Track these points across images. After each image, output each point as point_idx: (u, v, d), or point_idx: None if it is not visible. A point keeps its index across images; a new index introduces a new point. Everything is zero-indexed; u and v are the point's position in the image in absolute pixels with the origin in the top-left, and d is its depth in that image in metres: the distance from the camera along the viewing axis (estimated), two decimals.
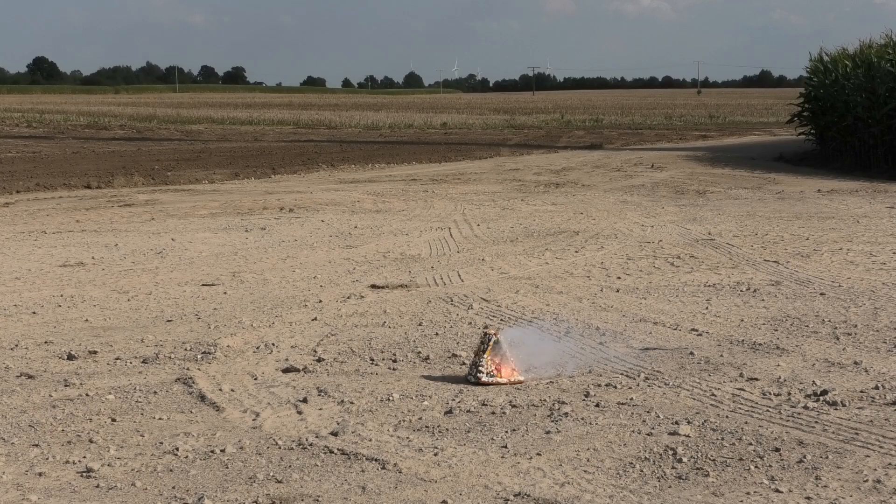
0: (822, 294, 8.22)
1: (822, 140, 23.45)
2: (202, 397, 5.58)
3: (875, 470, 4.43)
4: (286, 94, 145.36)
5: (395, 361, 6.28)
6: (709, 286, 8.61)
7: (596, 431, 4.97)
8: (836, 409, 5.23)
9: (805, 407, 5.28)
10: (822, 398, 5.41)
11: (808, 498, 4.17)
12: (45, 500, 4.22)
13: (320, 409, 5.35)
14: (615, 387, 5.70)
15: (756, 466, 4.50)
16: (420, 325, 7.27)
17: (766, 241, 11.13)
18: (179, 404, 5.48)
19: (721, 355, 6.32)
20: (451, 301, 8.04)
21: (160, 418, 5.24)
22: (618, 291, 8.40)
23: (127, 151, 26.52)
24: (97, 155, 25.10)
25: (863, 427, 4.96)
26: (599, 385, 5.74)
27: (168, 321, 7.45)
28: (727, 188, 17.20)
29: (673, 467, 4.51)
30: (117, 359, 6.38)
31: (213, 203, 14.94)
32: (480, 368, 5.77)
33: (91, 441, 4.89)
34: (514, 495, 4.22)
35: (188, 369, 6.13)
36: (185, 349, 6.61)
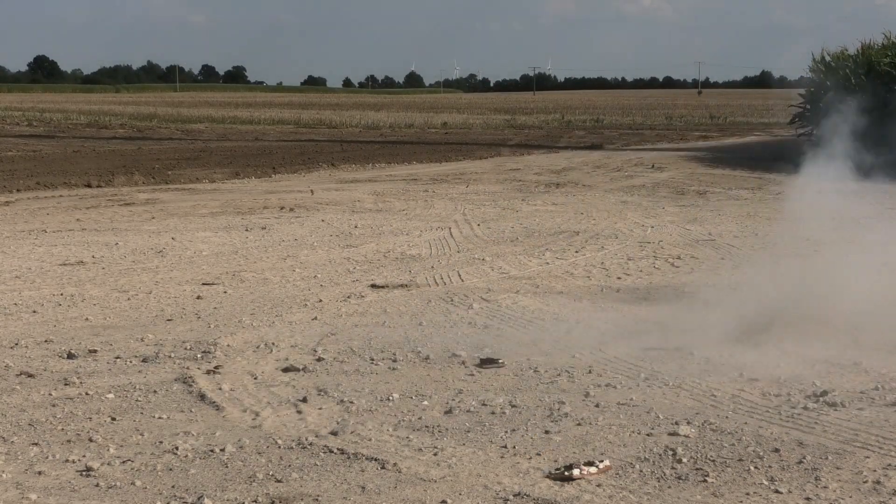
0: (822, 295, 8.21)
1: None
2: (202, 396, 5.58)
3: (875, 471, 4.43)
4: (287, 93, 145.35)
5: (394, 361, 6.28)
6: (709, 286, 8.60)
7: (596, 431, 4.98)
8: (835, 410, 5.24)
9: (805, 408, 5.28)
10: (822, 399, 5.41)
11: (808, 499, 4.17)
12: (45, 499, 4.22)
13: (320, 409, 5.35)
14: (615, 387, 5.70)
15: (756, 467, 4.50)
16: (420, 324, 7.27)
17: (766, 241, 11.13)
18: (179, 403, 5.48)
19: (721, 355, 6.32)
20: (451, 301, 8.04)
21: (160, 417, 5.24)
22: (618, 291, 8.40)
23: (127, 150, 26.52)
24: (98, 154, 25.10)
25: (863, 428, 4.96)
26: (599, 385, 5.74)
27: (168, 320, 7.45)
28: (727, 188, 17.20)
29: (673, 468, 4.51)
30: (117, 358, 6.38)
31: (214, 202, 14.94)
32: None
33: (91, 440, 4.90)
34: (514, 495, 4.22)
35: (188, 368, 6.13)
36: (185, 348, 6.61)
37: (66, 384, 5.80)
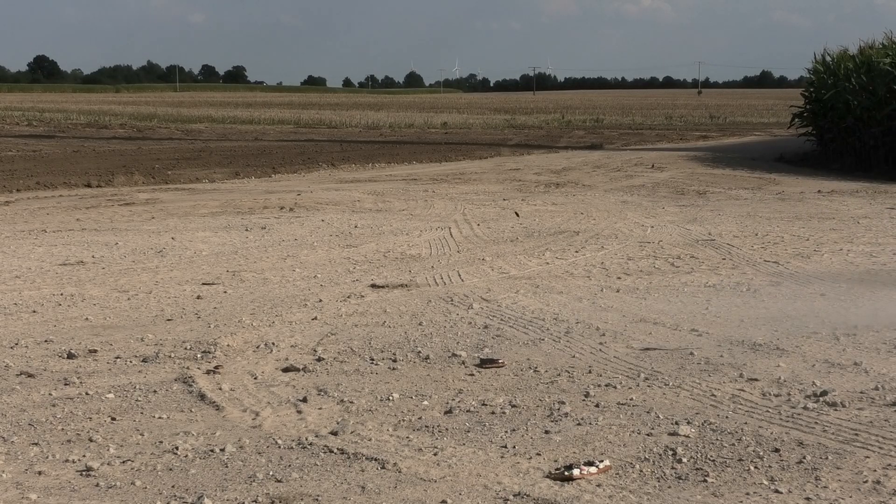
0: (822, 295, 8.22)
1: (823, 141, 23.45)
2: (202, 396, 5.58)
3: (875, 471, 4.43)
4: (287, 93, 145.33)
5: (394, 361, 6.29)
6: (709, 286, 8.61)
7: (596, 431, 4.98)
8: (835, 410, 5.24)
9: (805, 408, 5.28)
10: (821, 399, 5.41)
11: (808, 499, 4.18)
12: (45, 499, 4.22)
13: (320, 409, 5.35)
14: (615, 387, 5.70)
15: (756, 467, 4.50)
16: (420, 324, 7.27)
17: (766, 241, 11.13)
18: (179, 403, 5.48)
19: (721, 355, 6.32)
20: (451, 301, 8.04)
21: (160, 417, 5.24)
22: (618, 291, 8.40)
23: (127, 150, 26.52)
24: (98, 154, 25.10)
25: (862, 428, 4.96)
26: (599, 385, 5.74)
27: (168, 320, 7.45)
28: (727, 188, 17.20)
29: (673, 468, 4.51)
30: (117, 357, 6.38)
31: (214, 202, 14.94)
32: None
33: (91, 440, 4.90)
34: (514, 495, 4.22)
35: (188, 368, 6.13)
36: (185, 348, 6.61)
37: (66, 384, 5.80)
